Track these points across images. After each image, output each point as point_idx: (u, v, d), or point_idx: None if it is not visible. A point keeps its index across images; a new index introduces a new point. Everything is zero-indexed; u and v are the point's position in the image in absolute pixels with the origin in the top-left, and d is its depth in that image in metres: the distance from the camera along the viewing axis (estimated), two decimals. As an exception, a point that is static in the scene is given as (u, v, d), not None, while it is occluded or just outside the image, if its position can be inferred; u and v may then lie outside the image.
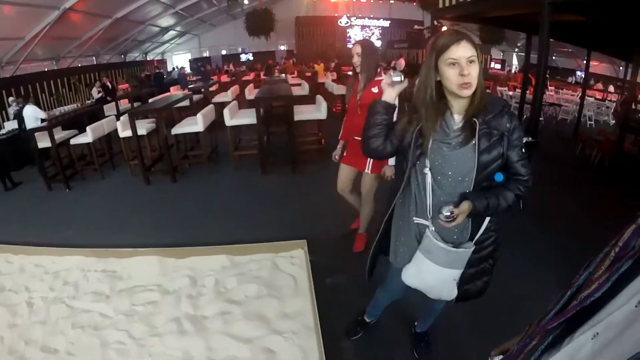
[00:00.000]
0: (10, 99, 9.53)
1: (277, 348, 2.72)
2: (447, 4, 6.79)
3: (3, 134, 7.72)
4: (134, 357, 2.79)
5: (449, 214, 1.59)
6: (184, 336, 2.90)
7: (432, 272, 1.76)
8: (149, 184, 6.34)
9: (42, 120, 7.28)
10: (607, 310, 0.76)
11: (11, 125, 8.11)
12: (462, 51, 1.52)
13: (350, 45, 24.92)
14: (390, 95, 1.80)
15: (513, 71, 22.81)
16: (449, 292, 1.84)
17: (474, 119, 1.58)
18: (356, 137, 3.36)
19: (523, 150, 1.64)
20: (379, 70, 3.30)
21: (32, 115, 7.45)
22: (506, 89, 13.44)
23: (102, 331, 3.09)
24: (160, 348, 2.83)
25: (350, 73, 10.87)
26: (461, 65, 1.53)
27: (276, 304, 3.12)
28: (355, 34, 25.41)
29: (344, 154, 3.64)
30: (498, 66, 23.93)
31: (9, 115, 9.21)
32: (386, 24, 25.35)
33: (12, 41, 10.24)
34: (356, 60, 3.18)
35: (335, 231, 4.26)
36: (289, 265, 3.62)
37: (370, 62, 3.22)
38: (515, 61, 25.45)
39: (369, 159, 3.32)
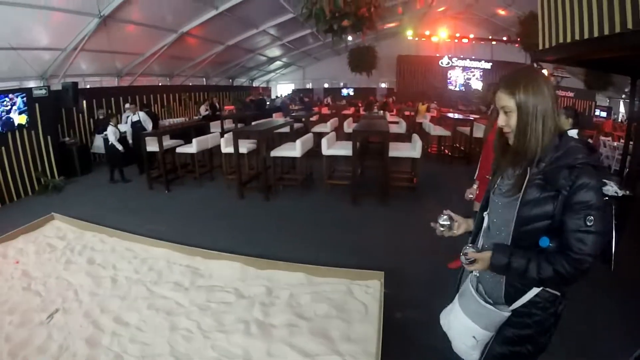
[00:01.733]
0: (127, 105, 10.84)
1: (334, 368, 2.76)
2: (546, 45, 6.59)
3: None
4: (197, 346, 3.03)
5: (467, 253, 1.57)
6: (249, 337, 3.08)
7: (456, 317, 1.71)
8: (243, 198, 6.89)
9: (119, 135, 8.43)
10: None
11: (124, 127, 9.19)
12: (498, 101, 1.55)
13: (451, 87, 24.75)
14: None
15: (619, 120, 20.93)
16: (467, 350, 1.70)
17: (528, 168, 1.50)
18: (489, 177, 3.47)
19: (588, 222, 1.35)
20: None
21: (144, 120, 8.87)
22: (610, 138, 12.36)
23: (174, 317, 3.41)
24: (224, 343, 3.04)
25: (452, 115, 10.84)
26: (500, 115, 1.56)
27: (343, 327, 3.20)
28: (457, 76, 25.27)
29: (477, 192, 3.75)
30: (604, 114, 22.18)
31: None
32: (487, 65, 24.85)
33: (133, 56, 11.88)
34: None
35: (415, 269, 4.23)
36: (363, 293, 3.68)
37: None
38: (622, 108, 23.34)
39: None
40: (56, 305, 3.64)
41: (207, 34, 12.80)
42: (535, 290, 1.51)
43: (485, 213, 1.71)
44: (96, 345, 3.06)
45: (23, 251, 4.84)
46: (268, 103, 18.27)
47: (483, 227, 1.71)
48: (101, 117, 9.84)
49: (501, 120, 1.54)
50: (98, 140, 9.83)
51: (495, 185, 1.69)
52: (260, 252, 4.54)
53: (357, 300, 3.57)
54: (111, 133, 8.07)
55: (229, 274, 4.12)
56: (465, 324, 1.65)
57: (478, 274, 1.70)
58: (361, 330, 3.14)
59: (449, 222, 1.78)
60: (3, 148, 7.27)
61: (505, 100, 1.49)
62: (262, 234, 5.33)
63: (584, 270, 1.36)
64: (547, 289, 1.50)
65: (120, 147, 8.07)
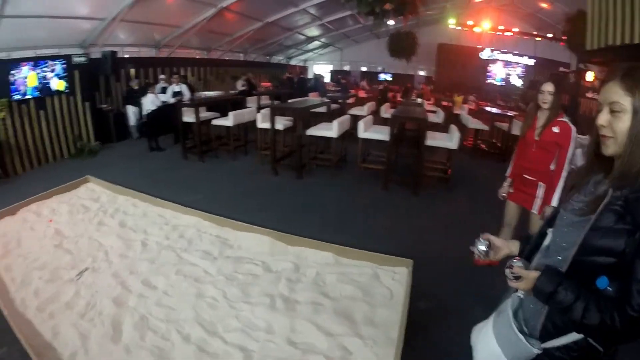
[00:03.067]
0: (161, 76, 11.09)
1: (354, 349, 2.74)
2: (594, 46, 6.27)
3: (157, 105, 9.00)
4: (222, 314, 3.06)
5: (512, 267, 1.34)
6: (273, 311, 3.08)
7: (486, 336, 1.54)
8: (276, 175, 6.95)
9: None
10: None
11: (164, 97, 9.33)
12: (606, 93, 1.22)
13: (491, 81, 23.92)
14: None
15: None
16: None
17: (611, 188, 1.21)
18: (526, 176, 3.43)
19: None
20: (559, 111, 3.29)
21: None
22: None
23: (201, 284, 3.45)
24: (248, 314, 3.06)
25: (490, 109, 10.50)
26: (602, 111, 1.23)
27: (366, 309, 3.16)
28: (497, 70, 24.37)
29: (511, 190, 3.65)
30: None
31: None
32: (530, 62, 23.68)
33: (171, 28, 11.91)
34: (547, 98, 3.20)
35: (443, 261, 4.12)
36: (390, 279, 3.61)
37: (558, 102, 3.23)
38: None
39: (537, 197, 3.37)
40: (86, 264, 3.74)
41: (246, 9, 12.70)
42: (575, 336, 1.26)
43: (550, 229, 1.46)
44: (122, 305, 3.12)
45: (57, 211, 4.98)
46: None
47: (543, 245, 1.46)
48: (135, 87, 9.99)
49: (603, 119, 1.22)
50: (130, 110, 10.01)
51: (570, 200, 1.40)
52: (289, 228, 4.51)
53: (383, 285, 3.52)
54: (149, 101, 8.34)
55: (258, 247, 4.12)
56: (491, 347, 1.48)
57: (522, 296, 1.46)
58: (384, 315, 3.09)
59: (485, 249, 1.57)
60: (42, 111, 7.57)
61: (619, 95, 1.17)
62: (292, 210, 5.35)
63: (632, 331, 1.09)
64: (589, 338, 1.25)
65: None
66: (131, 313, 3.03)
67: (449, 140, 6.37)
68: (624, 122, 1.16)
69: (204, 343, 2.75)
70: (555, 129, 3.15)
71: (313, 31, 19.15)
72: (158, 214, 4.93)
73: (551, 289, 1.20)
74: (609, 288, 1.15)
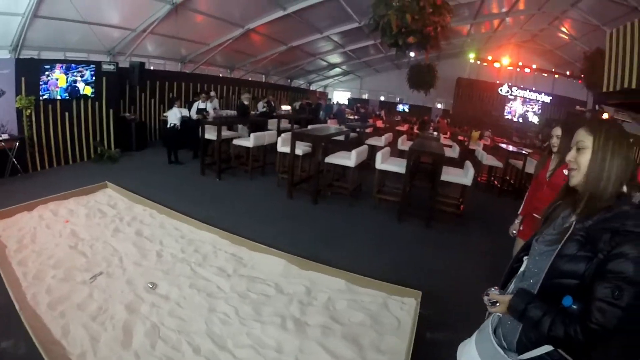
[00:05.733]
0: (212, 93, 11.66)
1: (360, 374, 2.77)
2: (610, 88, 6.30)
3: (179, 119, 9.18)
4: (233, 331, 3.10)
5: (489, 294, 1.60)
6: (283, 332, 3.13)
7: (469, 352, 1.75)
8: (291, 198, 7.04)
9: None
10: None
11: (185, 112, 9.54)
12: (575, 137, 1.56)
13: (509, 117, 24.15)
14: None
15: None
16: None
17: (575, 222, 1.46)
18: (536, 215, 3.48)
19: (615, 294, 1.25)
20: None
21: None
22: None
23: (214, 300, 3.50)
24: (259, 332, 3.11)
25: (506, 146, 10.51)
26: (571, 150, 1.57)
27: (374, 336, 3.21)
28: (515, 106, 24.43)
29: (521, 228, 3.70)
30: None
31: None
32: (547, 99, 23.71)
33: (198, 44, 12.36)
34: (555, 141, 3.37)
35: (452, 294, 4.17)
36: (398, 309, 3.67)
37: (568, 145, 3.30)
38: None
39: None
40: (100, 268, 3.81)
41: (272, 32, 13.15)
42: (547, 348, 1.44)
43: (525, 257, 1.70)
44: (135, 312, 3.18)
45: (74, 212, 5.10)
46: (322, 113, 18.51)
47: (520, 271, 1.69)
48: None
49: (570, 156, 1.57)
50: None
51: (542, 233, 1.65)
52: (301, 252, 4.56)
53: (391, 314, 3.57)
54: (173, 115, 8.54)
55: (272, 269, 4.17)
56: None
57: (501, 315, 1.67)
58: (391, 342, 3.15)
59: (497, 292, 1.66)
60: (67, 113, 7.82)
61: (583, 135, 1.53)
62: (305, 235, 5.37)
63: (594, 342, 1.29)
64: (560, 350, 1.42)
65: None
66: (143, 320, 3.07)
67: (464, 176, 6.41)
68: (586, 156, 1.49)
69: (213, 356, 2.79)
70: (566, 172, 3.18)
71: (335, 58, 19.69)
72: (175, 227, 5.01)
73: (522, 307, 1.43)
74: (573, 306, 1.36)
